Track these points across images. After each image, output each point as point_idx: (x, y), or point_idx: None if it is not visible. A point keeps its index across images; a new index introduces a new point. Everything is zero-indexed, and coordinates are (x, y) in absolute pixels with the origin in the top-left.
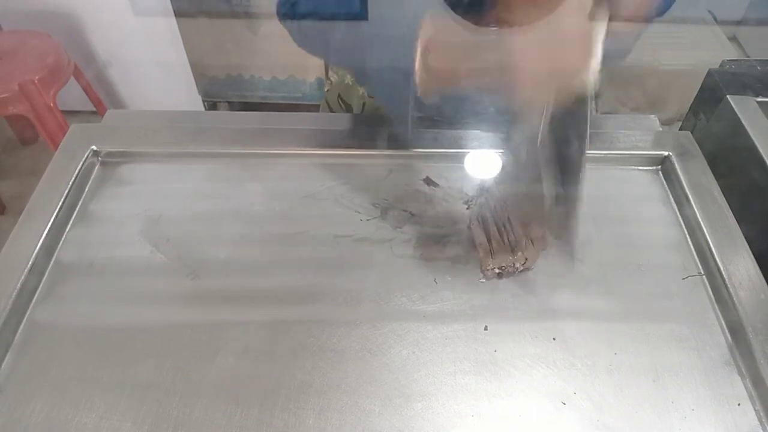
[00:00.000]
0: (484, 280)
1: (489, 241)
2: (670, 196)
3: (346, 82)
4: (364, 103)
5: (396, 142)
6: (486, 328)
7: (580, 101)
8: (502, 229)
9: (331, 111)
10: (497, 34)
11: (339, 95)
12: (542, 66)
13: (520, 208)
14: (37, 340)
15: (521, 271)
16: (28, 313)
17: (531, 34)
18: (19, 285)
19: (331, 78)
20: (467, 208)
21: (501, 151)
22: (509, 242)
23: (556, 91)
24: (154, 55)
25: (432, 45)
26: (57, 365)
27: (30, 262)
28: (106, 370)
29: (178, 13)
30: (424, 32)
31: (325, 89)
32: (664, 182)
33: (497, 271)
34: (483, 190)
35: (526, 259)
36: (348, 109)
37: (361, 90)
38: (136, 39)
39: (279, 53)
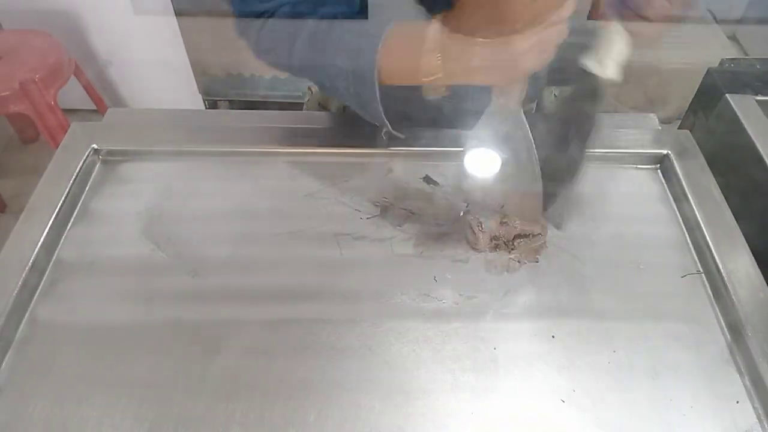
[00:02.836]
0: (480, 251)
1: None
2: (669, 195)
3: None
4: (344, 107)
5: (396, 141)
6: (486, 327)
7: (592, 97)
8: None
9: None
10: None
11: (318, 103)
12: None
13: (519, 205)
14: (38, 339)
15: (524, 248)
16: (29, 312)
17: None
18: (20, 283)
19: (311, 88)
20: (467, 207)
21: (499, 150)
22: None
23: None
24: (154, 53)
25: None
26: (58, 363)
27: (31, 261)
28: (108, 368)
29: (179, 12)
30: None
31: (306, 98)
32: (663, 181)
33: (493, 243)
34: (481, 188)
35: (535, 235)
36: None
37: None
38: (137, 38)
39: None
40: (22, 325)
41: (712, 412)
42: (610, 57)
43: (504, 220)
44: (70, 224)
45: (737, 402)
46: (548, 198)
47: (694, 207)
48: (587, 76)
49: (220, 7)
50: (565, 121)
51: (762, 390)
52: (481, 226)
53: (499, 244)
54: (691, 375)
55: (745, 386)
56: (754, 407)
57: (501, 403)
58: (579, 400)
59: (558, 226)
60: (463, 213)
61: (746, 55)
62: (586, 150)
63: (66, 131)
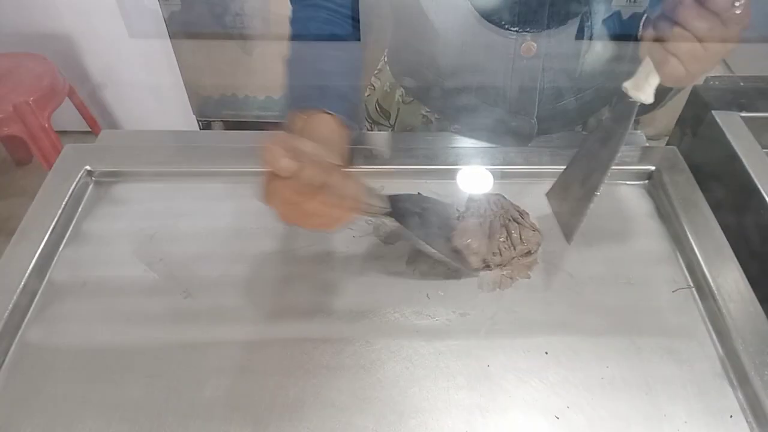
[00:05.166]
0: (476, 275)
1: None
2: (658, 211)
3: (384, 88)
4: (398, 109)
5: (386, 159)
6: (479, 343)
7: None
8: (492, 236)
9: (369, 116)
10: None
11: (377, 101)
12: None
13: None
14: (28, 362)
15: (513, 263)
16: (19, 334)
17: None
18: (10, 306)
19: (374, 83)
20: (458, 224)
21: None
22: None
23: None
24: (149, 75)
25: None
26: (49, 387)
27: (22, 283)
28: (99, 391)
29: (173, 35)
30: None
31: (366, 94)
32: (652, 197)
33: (484, 263)
34: (471, 202)
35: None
36: (385, 114)
37: (397, 95)
38: (132, 60)
39: (273, 73)
40: (12, 349)
41: (705, 427)
42: (647, 82)
43: (500, 239)
44: (62, 246)
45: (731, 416)
46: (570, 212)
47: (682, 222)
48: (625, 97)
49: (214, 30)
50: (598, 139)
51: (755, 403)
52: (470, 249)
53: (492, 262)
54: (684, 389)
55: (738, 400)
56: (747, 421)
57: (495, 420)
58: (573, 417)
59: (568, 239)
60: (453, 235)
61: (732, 72)
62: (610, 167)
63: (59, 153)
